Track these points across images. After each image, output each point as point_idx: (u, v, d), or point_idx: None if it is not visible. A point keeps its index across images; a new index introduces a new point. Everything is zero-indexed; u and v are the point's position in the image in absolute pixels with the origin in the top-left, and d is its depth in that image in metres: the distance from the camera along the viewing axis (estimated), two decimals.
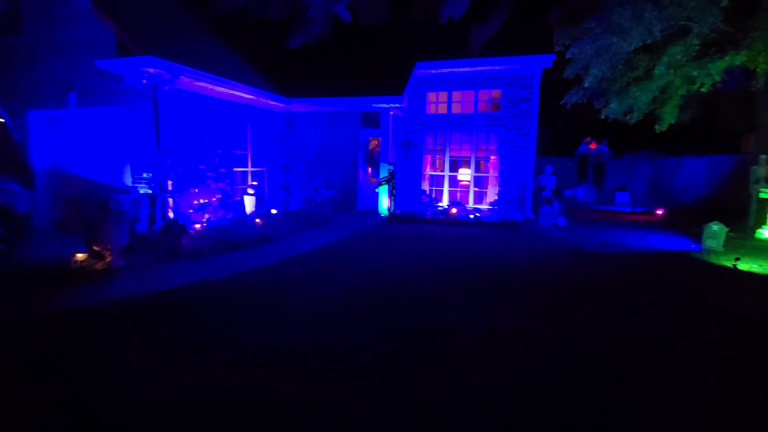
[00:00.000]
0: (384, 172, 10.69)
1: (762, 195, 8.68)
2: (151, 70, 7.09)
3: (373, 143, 11.93)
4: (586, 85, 10.76)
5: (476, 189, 11.22)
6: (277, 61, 11.59)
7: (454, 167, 11.47)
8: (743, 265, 6.46)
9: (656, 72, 9.39)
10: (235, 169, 9.49)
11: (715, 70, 9.06)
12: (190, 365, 3.12)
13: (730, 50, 8.71)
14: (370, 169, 12.04)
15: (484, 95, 10.90)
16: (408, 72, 10.31)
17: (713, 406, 2.69)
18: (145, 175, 7.52)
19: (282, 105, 10.67)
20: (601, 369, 3.20)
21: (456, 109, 11.22)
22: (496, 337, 3.77)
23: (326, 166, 11.99)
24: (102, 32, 7.37)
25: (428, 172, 11.69)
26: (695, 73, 9.50)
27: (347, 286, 5.21)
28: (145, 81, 7.29)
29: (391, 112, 10.47)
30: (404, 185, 11.63)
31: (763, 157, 9.41)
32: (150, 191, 7.41)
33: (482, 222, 10.12)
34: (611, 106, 11.34)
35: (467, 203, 11.19)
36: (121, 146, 7.71)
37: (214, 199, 8.79)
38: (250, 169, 10.09)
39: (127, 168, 7.64)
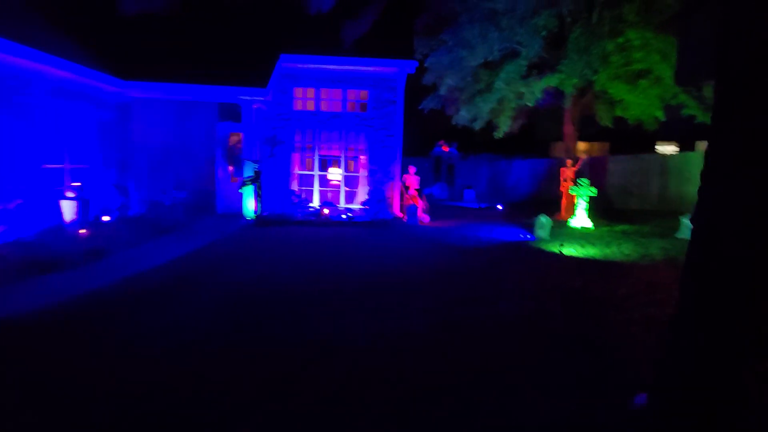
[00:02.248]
0: (249, 171, 9.78)
1: (571, 192, 10.82)
2: None
3: (234, 139, 10.82)
4: (441, 92, 11.78)
5: (347, 189, 11.21)
6: (108, 34, 9.44)
7: (324, 166, 11.23)
8: (565, 250, 7.90)
9: (496, 86, 10.82)
10: (45, 166, 7.39)
11: (537, 88, 10.89)
12: None
13: (548, 73, 10.59)
14: (231, 168, 10.89)
15: (352, 95, 10.94)
16: (273, 63, 9.62)
17: (571, 376, 3.08)
18: None
19: (114, 88, 8.76)
20: (477, 362, 3.38)
21: (324, 106, 10.98)
22: (383, 344, 3.67)
23: (177, 163, 10.37)
24: None
25: (297, 171, 11.18)
26: (523, 90, 11.29)
27: (211, 305, 4.47)
28: None
29: (255, 106, 9.64)
30: (272, 185, 10.87)
31: (568, 161, 11.76)
32: None
33: (355, 222, 10.15)
34: (461, 113, 12.68)
35: (339, 203, 11.10)
36: None
37: (11, 204, 6.66)
38: (68, 166, 8.00)
39: None
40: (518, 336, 3.92)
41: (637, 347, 3.72)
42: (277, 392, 2.80)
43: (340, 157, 11.11)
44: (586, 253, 7.72)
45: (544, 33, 9.66)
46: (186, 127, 10.32)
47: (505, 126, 12.91)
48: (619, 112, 11.89)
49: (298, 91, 10.89)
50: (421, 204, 11.00)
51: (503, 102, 12.22)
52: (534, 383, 3.02)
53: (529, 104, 11.31)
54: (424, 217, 10.93)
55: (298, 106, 10.95)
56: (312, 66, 10.52)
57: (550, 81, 10.49)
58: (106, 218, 8.60)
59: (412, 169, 11.26)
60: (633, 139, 18.27)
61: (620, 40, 9.38)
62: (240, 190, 9.92)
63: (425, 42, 10.73)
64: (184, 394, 2.76)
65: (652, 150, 20.12)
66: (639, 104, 10.92)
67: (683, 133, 17.87)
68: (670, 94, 10.44)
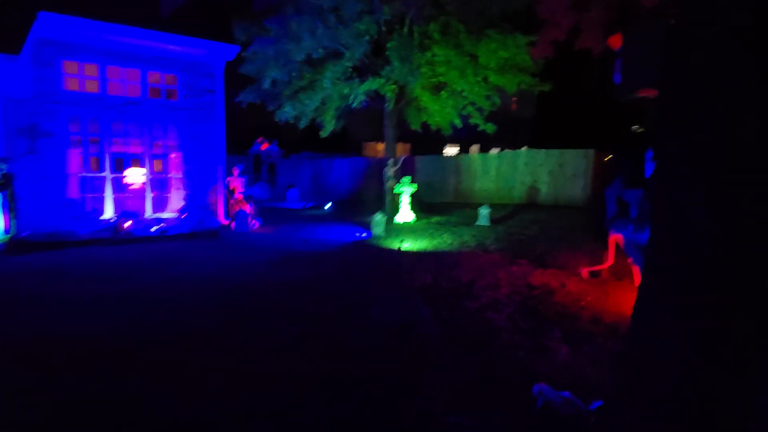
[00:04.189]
0: None
1: (396, 190, 11.71)
2: None
3: None
4: (265, 86, 10.88)
5: (155, 194, 9.08)
6: None
7: (119, 167, 8.77)
8: (403, 245, 8.44)
9: (323, 85, 10.68)
10: None
11: (361, 90, 11.30)
12: None
13: (370, 77, 11.09)
14: None
15: (155, 78, 8.85)
16: (27, 24, 6.82)
17: (474, 380, 3.20)
18: None
19: None
20: (382, 390, 3.17)
21: (115, 89, 8.53)
22: (272, 404, 3.03)
23: None
24: None
25: (79, 173, 8.38)
26: (346, 91, 11.54)
27: None
28: None
29: None
30: (35, 193, 7.80)
31: (390, 161, 12.69)
32: None
33: (171, 235, 8.31)
34: (285, 109, 12.07)
35: (145, 213, 8.89)
36: None
37: None
38: None
39: None
40: (406, 347, 3.84)
41: (500, 334, 4.14)
42: None
43: (142, 154, 8.88)
44: (420, 246, 8.46)
45: (366, 38, 10.03)
46: None
47: (330, 125, 12.97)
48: (425, 118, 13.51)
49: (71, 66, 8.11)
50: (248, 209, 9.94)
51: (327, 101, 12.23)
52: (449, 398, 2.96)
53: (354, 105, 11.63)
54: (254, 223, 9.92)
55: (73, 85, 8.17)
56: (92, 35, 7.98)
57: (372, 85, 11.03)
58: None
59: (236, 170, 10.04)
60: (427, 142, 21.33)
61: (429, 54, 10.60)
62: None
63: (245, 28, 9.65)
64: None
65: (441, 151, 23.99)
66: (440, 112, 12.64)
67: (465, 137, 21.92)
68: (461, 105, 12.46)
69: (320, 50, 10.18)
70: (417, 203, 13.32)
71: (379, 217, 9.52)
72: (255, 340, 3.91)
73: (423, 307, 4.86)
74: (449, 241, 8.86)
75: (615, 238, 6.06)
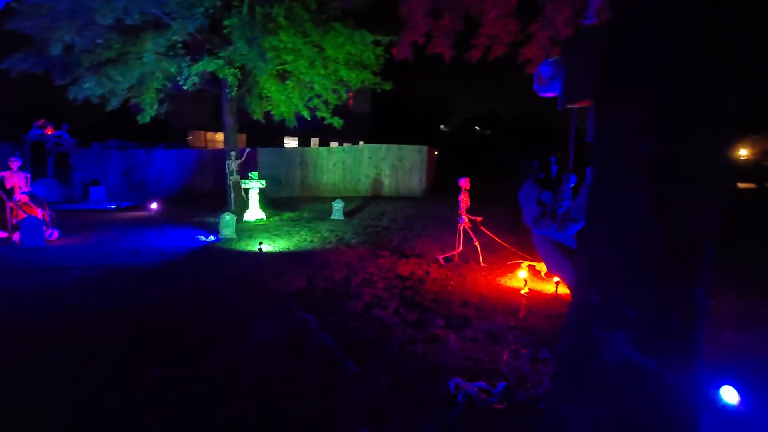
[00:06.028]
0: None
1: (244, 184, 10.61)
2: None
3: None
4: (54, 53, 8.29)
5: None
6: None
7: None
8: (259, 246, 7.66)
9: (145, 59, 8.78)
10: None
11: (194, 71, 9.74)
12: None
13: (206, 56, 9.63)
14: None
15: None
16: None
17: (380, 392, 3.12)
18: None
19: None
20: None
21: None
22: None
23: None
24: None
25: None
26: (173, 70, 9.80)
27: None
28: None
29: None
30: None
31: (232, 153, 11.42)
32: None
33: None
34: (86, 86, 9.53)
35: None
36: None
37: None
38: None
39: None
40: (304, 366, 3.44)
41: (393, 331, 4.16)
42: None
43: None
44: (281, 246, 7.87)
45: (200, 10, 8.63)
46: None
47: (151, 110, 10.86)
48: (268, 107, 12.62)
49: None
50: (41, 213, 7.44)
51: (147, 80, 10.13)
52: (370, 414, 2.78)
53: (186, 87, 9.95)
54: (52, 234, 7.50)
55: None
56: None
57: (209, 66, 9.64)
58: None
59: (14, 163, 7.37)
60: (265, 134, 20.14)
61: (274, 41, 9.84)
62: None
63: None
64: None
65: (279, 144, 23.03)
66: (286, 102, 12.00)
67: (303, 130, 21.48)
68: (307, 96, 12.11)
69: (137, 16, 8.29)
70: (262, 199, 12.47)
71: (228, 217, 8.45)
72: (98, 400, 2.88)
73: (306, 315, 4.50)
74: (309, 239, 8.53)
75: (461, 226, 6.89)
